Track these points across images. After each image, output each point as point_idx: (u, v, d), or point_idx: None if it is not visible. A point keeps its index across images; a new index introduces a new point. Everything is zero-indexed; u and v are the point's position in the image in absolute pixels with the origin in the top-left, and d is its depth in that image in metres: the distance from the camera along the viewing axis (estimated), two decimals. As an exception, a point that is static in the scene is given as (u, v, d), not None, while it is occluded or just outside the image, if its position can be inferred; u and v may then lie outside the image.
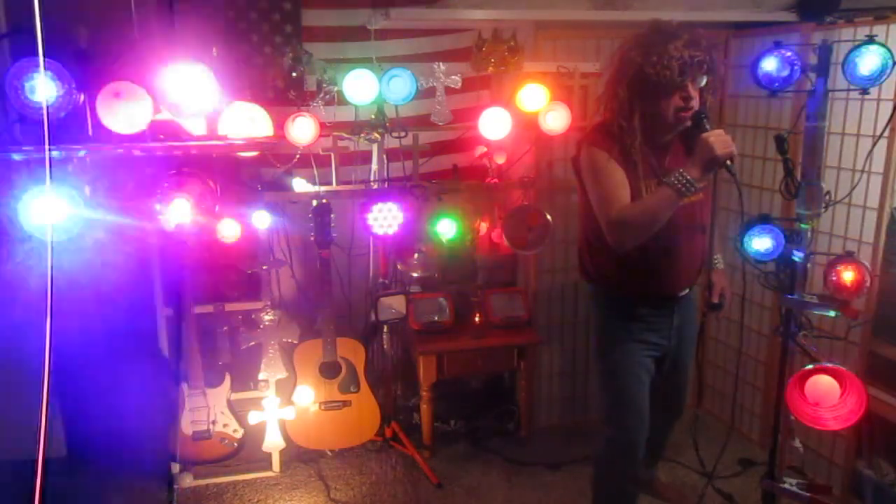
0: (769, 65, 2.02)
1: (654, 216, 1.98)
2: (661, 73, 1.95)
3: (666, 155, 2.16)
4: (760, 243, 2.08)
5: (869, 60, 1.92)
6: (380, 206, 2.78)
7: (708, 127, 1.97)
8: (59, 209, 1.87)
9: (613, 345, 2.31)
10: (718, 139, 1.90)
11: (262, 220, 2.80)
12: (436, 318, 3.19)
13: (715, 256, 2.50)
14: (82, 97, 1.88)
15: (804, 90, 2.08)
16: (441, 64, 2.76)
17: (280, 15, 2.88)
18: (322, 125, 2.63)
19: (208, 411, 2.86)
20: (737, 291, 3.30)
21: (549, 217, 2.97)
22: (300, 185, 2.91)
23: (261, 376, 2.96)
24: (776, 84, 2.03)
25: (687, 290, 2.33)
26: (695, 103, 2.02)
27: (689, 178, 1.91)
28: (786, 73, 2.03)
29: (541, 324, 3.33)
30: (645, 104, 2.04)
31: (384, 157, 2.96)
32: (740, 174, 3.16)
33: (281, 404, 2.95)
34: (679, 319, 2.32)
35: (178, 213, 2.19)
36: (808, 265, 2.11)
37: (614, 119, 2.09)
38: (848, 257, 2.03)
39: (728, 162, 1.91)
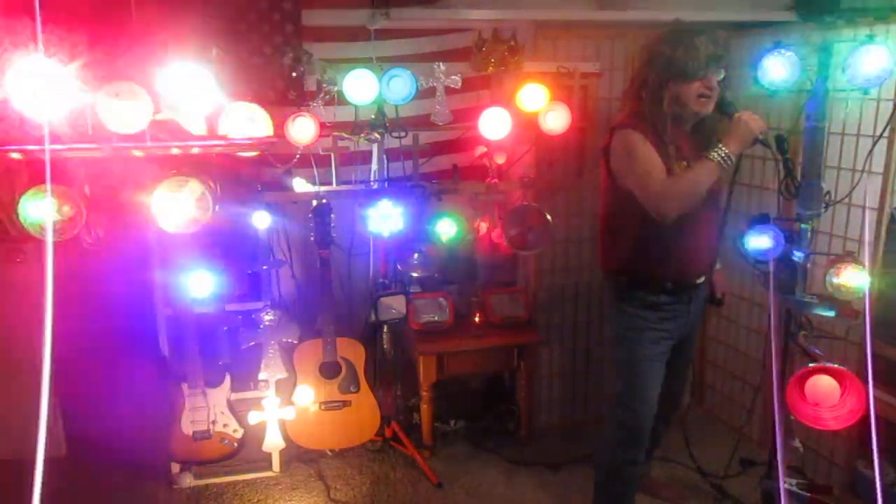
0: (770, 65, 2.04)
1: (697, 186, 2.12)
2: (689, 59, 2.13)
3: (694, 140, 2.28)
4: (759, 241, 2.09)
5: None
6: (380, 206, 2.78)
7: (735, 109, 2.14)
8: (58, 209, 1.87)
9: (632, 333, 2.37)
10: (751, 117, 2.11)
11: (262, 220, 2.80)
12: (436, 318, 3.19)
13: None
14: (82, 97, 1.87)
15: (804, 90, 2.08)
16: (441, 64, 2.76)
17: (280, 15, 2.88)
18: (322, 125, 2.63)
19: (208, 411, 2.86)
20: (737, 292, 3.31)
21: (549, 217, 2.97)
22: (300, 185, 2.91)
23: (261, 376, 2.95)
24: (776, 84, 2.06)
25: (702, 279, 2.40)
26: (716, 91, 2.19)
27: (727, 151, 2.09)
28: (786, 73, 2.04)
29: (541, 324, 3.33)
30: (672, 89, 2.19)
31: (384, 157, 2.96)
32: (740, 174, 3.18)
33: (281, 404, 2.95)
34: (694, 307, 2.41)
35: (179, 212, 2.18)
36: (808, 265, 2.12)
37: (645, 106, 2.23)
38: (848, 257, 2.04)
39: (760, 136, 2.10)
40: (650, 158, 2.18)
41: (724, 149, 2.08)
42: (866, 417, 1.96)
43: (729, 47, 2.20)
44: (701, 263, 2.37)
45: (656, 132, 2.21)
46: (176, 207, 2.03)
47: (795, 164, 2.20)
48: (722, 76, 2.18)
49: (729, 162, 2.09)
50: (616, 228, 2.39)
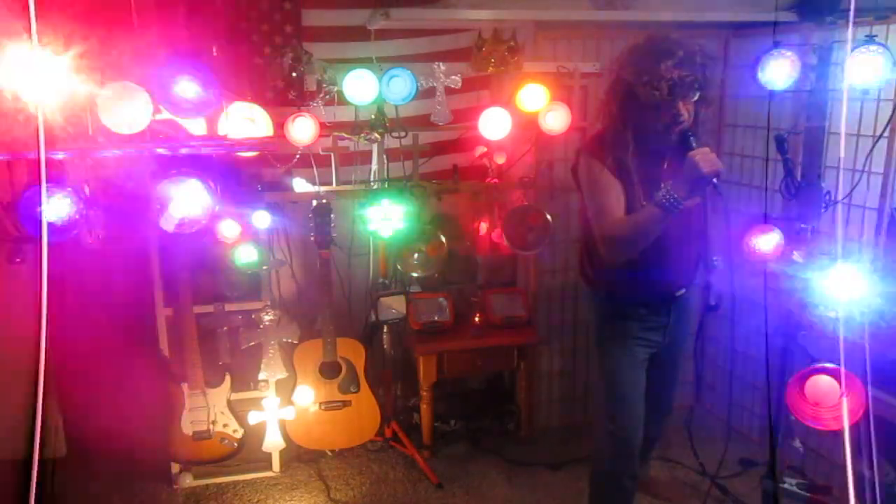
0: (770, 65, 2.03)
1: (644, 233, 2.04)
2: (651, 93, 1.97)
3: (662, 160, 2.17)
4: (759, 242, 2.09)
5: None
6: (380, 206, 2.77)
7: (694, 145, 1.98)
8: (58, 209, 1.87)
9: (612, 343, 2.35)
10: (704, 158, 1.91)
11: (262, 220, 2.80)
12: (436, 318, 3.19)
13: (715, 258, 2.51)
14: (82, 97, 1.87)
15: (804, 90, 2.08)
16: (441, 64, 2.76)
17: (280, 15, 2.88)
18: (322, 125, 2.64)
19: (208, 411, 2.86)
20: (737, 292, 3.31)
21: (549, 217, 2.97)
22: (300, 185, 2.91)
23: (261, 376, 2.96)
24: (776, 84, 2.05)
25: (683, 290, 2.35)
26: (685, 118, 2.02)
27: (676, 196, 1.94)
28: (786, 73, 2.04)
29: (541, 324, 3.33)
30: (635, 120, 2.07)
31: (384, 157, 2.96)
32: (740, 174, 3.19)
33: (281, 404, 2.95)
34: (675, 318, 2.36)
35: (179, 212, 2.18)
36: (808, 265, 2.12)
37: (608, 128, 2.14)
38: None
39: (714, 180, 1.92)
40: (606, 194, 2.10)
41: (672, 193, 1.94)
42: (866, 417, 1.97)
43: (706, 63, 1.99)
44: (678, 279, 2.31)
45: (618, 157, 2.10)
46: (176, 207, 2.04)
47: (795, 164, 2.19)
48: (696, 97, 2.02)
49: (677, 207, 1.94)
50: (592, 243, 2.29)
